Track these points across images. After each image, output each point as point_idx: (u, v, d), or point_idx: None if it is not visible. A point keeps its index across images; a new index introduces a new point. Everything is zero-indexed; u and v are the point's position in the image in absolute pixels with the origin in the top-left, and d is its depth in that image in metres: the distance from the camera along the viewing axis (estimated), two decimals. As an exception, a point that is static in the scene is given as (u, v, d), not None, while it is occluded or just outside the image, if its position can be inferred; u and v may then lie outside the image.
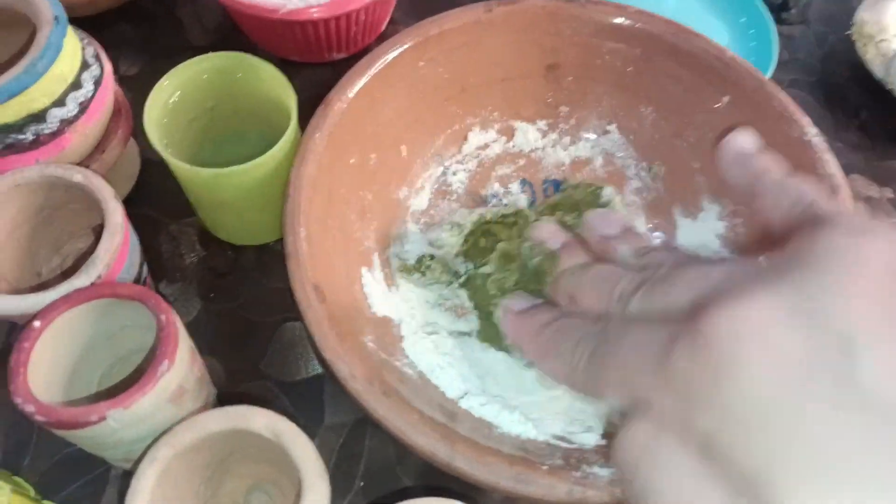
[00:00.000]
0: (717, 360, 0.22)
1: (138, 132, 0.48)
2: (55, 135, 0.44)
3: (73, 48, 0.44)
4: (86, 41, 0.47)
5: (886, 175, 0.60)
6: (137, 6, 0.65)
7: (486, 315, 0.45)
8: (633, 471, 0.25)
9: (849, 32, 0.63)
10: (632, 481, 0.25)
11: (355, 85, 0.47)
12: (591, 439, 0.40)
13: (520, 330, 0.38)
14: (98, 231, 0.41)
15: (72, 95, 0.44)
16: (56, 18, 0.42)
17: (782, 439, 0.21)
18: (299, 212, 0.42)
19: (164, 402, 0.37)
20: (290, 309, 0.50)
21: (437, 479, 0.45)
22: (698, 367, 0.23)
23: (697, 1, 0.68)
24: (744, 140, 0.34)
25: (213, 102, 0.50)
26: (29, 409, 0.35)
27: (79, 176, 0.42)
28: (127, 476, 0.36)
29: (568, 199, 0.50)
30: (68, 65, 0.44)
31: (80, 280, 0.39)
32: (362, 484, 0.45)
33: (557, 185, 0.54)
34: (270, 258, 0.53)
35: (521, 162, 0.55)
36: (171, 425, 0.37)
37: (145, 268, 0.46)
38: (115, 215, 0.41)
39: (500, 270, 0.45)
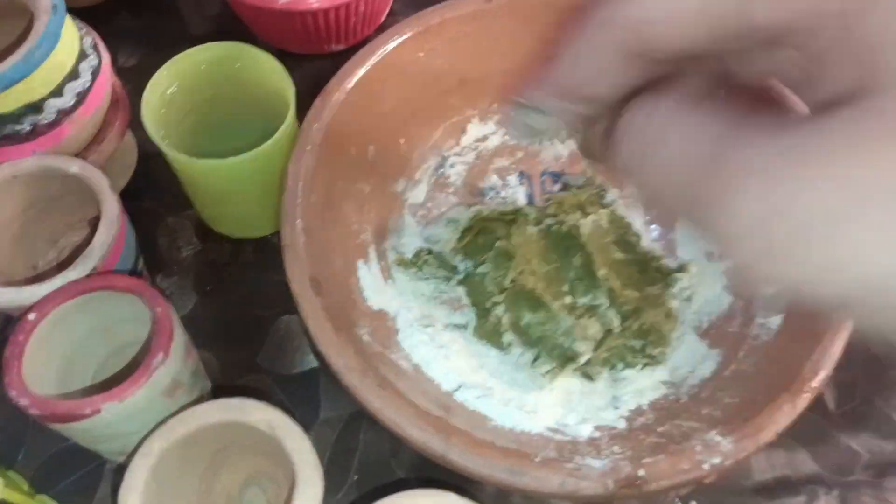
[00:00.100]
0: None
1: (136, 123, 0.47)
2: (52, 125, 0.44)
3: (71, 38, 0.44)
4: (84, 31, 0.46)
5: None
6: (137, -4, 0.65)
7: (483, 312, 0.45)
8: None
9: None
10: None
11: (354, 76, 0.47)
12: (585, 431, 0.40)
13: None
14: (94, 223, 0.41)
15: (69, 86, 0.44)
16: (54, 7, 0.42)
17: None
18: (296, 204, 0.42)
19: (159, 396, 0.37)
20: (286, 302, 0.50)
21: (431, 471, 0.44)
22: None
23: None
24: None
25: (211, 93, 0.50)
26: (23, 402, 0.35)
27: (75, 167, 0.42)
28: (121, 470, 0.36)
29: (572, 198, 0.49)
30: (66, 54, 0.43)
31: (76, 272, 0.39)
32: (357, 477, 0.45)
33: (556, 176, 0.53)
34: (268, 251, 0.52)
35: (520, 154, 0.54)
36: (165, 418, 0.37)
37: (141, 260, 0.46)
38: (112, 207, 0.41)
39: (497, 269, 0.45)
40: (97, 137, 0.48)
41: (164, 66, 0.47)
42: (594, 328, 0.44)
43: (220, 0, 0.64)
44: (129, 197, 0.53)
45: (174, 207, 0.54)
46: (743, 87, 0.23)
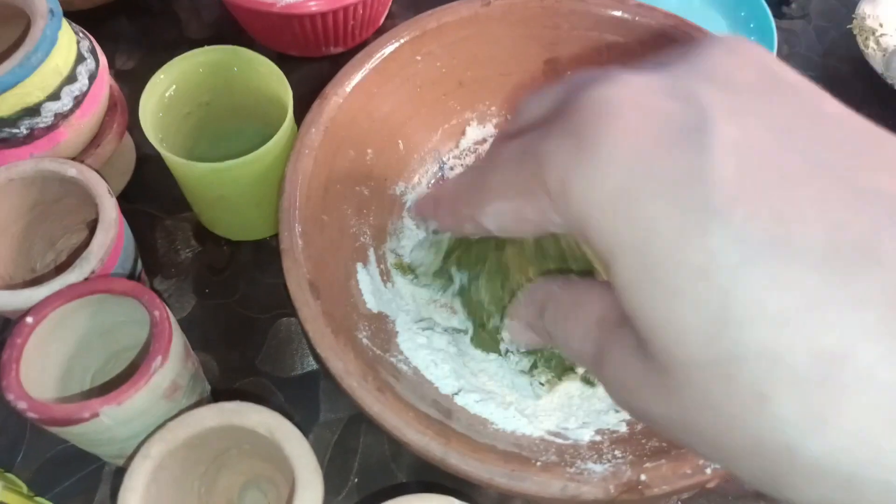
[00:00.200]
0: (580, 133, 0.20)
1: (134, 126, 0.47)
2: (50, 129, 0.44)
3: (69, 41, 0.44)
4: (81, 35, 0.46)
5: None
6: (135, 0, 0.65)
7: (480, 324, 0.45)
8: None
9: (850, 27, 0.63)
10: None
11: (352, 79, 0.47)
12: (586, 435, 0.40)
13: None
14: (93, 226, 0.41)
15: (67, 89, 0.44)
16: (51, 11, 0.42)
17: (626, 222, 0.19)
18: (295, 207, 0.42)
19: (158, 399, 0.36)
20: (285, 305, 0.50)
21: (431, 475, 0.45)
22: (568, 141, 0.21)
23: (698, -5, 0.67)
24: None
25: (209, 97, 0.50)
26: (21, 405, 0.34)
27: (73, 170, 0.42)
28: (120, 473, 0.36)
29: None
30: (63, 58, 0.43)
31: (74, 275, 0.38)
32: (356, 480, 0.45)
33: None
34: (266, 254, 0.52)
35: (519, 157, 0.54)
36: (164, 422, 0.37)
37: (140, 263, 0.46)
38: (110, 210, 0.41)
39: (492, 282, 0.45)
40: (95, 141, 0.48)
41: (162, 70, 0.46)
42: None
43: (217, 3, 0.64)
44: (127, 200, 0.53)
45: (172, 210, 0.54)
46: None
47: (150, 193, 0.55)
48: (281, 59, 0.48)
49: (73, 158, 0.46)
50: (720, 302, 0.17)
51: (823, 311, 0.17)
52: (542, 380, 0.43)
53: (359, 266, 0.46)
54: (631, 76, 0.21)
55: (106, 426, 0.35)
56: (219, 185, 0.46)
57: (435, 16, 0.50)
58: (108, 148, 0.48)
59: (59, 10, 0.43)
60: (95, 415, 0.34)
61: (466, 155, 0.54)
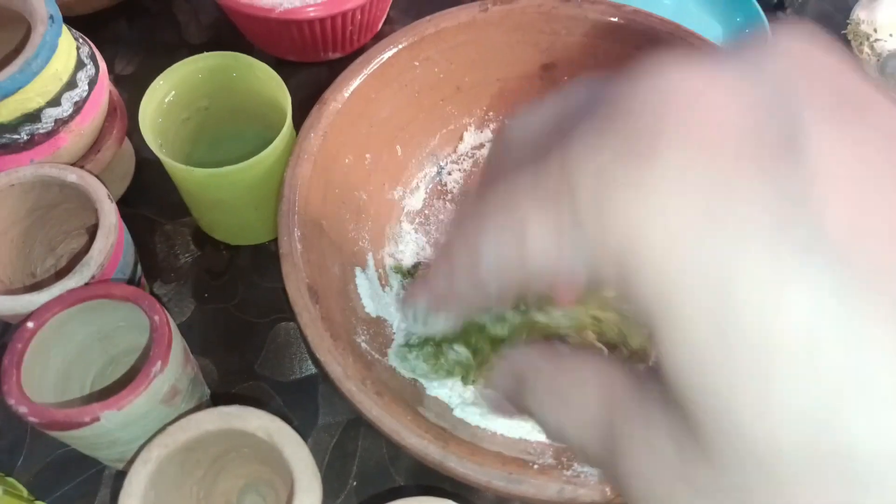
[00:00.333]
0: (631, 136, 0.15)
1: (133, 132, 0.47)
2: (50, 134, 0.44)
3: (69, 47, 0.44)
4: (81, 40, 0.47)
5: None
6: (134, 5, 0.65)
7: (462, 376, 0.43)
8: None
9: (844, 32, 0.63)
10: None
11: (350, 84, 0.47)
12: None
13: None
14: (92, 231, 0.41)
15: (67, 95, 0.44)
16: (51, 17, 0.42)
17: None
18: (294, 212, 0.42)
19: (158, 403, 0.37)
20: (284, 309, 0.50)
21: (430, 478, 0.45)
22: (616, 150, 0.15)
23: (693, 0, 0.67)
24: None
25: (208, 102, 0.50)
26: (22, 410, 0.35)
27: (73, 176, 0.42)
28: (120, 476, 0.36)
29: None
30: (63, 64, 0.44)
31: (74, 280, 0.39)
32: (355, 483, 0.45)
33: None
34: (265, 258, 0.53)
35: (517, 162, 0.55)
36: (164, 426, 0.37)
37: (139, 268, 0.46)
38: (110, 215, 0.41)
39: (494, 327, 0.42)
40: (95, 146, 0.48)
41: (162, 75, 0.47)
42: None
43: (216, 9, 0.65)
44: (127, 205, 0.53)
45: (171, 215, 0.54)
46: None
47: (149, 198, 0.55)
48: (279, 65, 0.48)
49: (73, 164, 0.46)
50: (833, 386, 0.14)
51: None
52: None
53: (357, 270, 0.46)
54: (697, 62, 0.16)
55: (106, 430, 0.35)
56: (218, 190, 0.46)
57: (433, 21, 0.50)
58: (107, 153, 0.49)
59: (59, 15, 0.43)
60: (96, 419, 0.34)
61: (464, 160, 0.54)
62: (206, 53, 0.48)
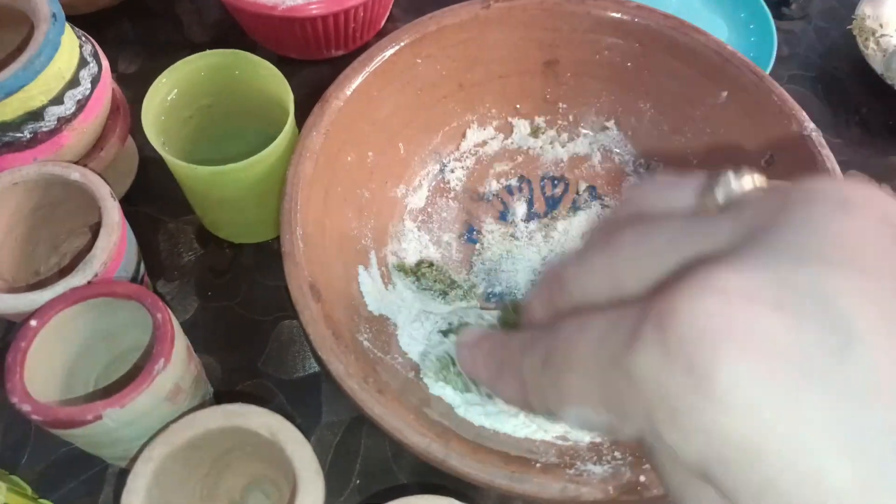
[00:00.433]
0: (689, 369, 0.16)
1: (136, 130, 0.47)
2: (53, 133, 0.44)
3: (71, 46, 0.44)
4: (83, 39, 0.47)
5: (887, 171, 0.60)
6: (137, 4, 0.65)
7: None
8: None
9: (850, 27, 0.63)
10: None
11: (353, 82, 0.47)
12: (586, 436, 0.40)
13: (471, 359, 0.28)
14: (96, 229, 0.41)
15: (70, 93, 0.44)
16: (54, 16, 0.42)
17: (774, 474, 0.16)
18: (296, 210, 0.42)
19: (161, 401, 0.37)
20: (287, 307, 0.50)
21: (432, 476, 0.45)
22: (668, 375, 0.17)
23: (698, -4, 0.67)
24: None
25: (211, 100, 0.50)
26: (25, 408, 0.35)
27: (76, 174, 0.42)
28: (124, 474, 0.36)
29: None
30: (66, 62, 0.44)
31: (77, 279, 0.39)
32: (358, 482, 0.45)
33: (556, 180, 0.54)
34: (268, 256, 0.53)
35: (520, 159, 0.55)
36: (167, 424, 0.37)
37: (143, 266, 0.46)
38: (113, 213, 0.41)
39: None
40: (98, 144, 0.48)
41: (164, 73, 0.47)
42: None
43: (219, 7, 0.65)
44: (130, 203, 0.54)
45: (174, 213, 0.54)
46: None
47: (152, 196, 0.55)
48: (282, 62, 0.48)
49: (76, 162, 0.46)
50: None
51: None
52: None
53: (360, 268, 0.46)
54: (729, 277, 0.17)
55: (109, 428, 0.35)
56: (220, 188, 0.46)
57: (435, 19, 0.50)
58: (110, 151, 0.49)
59: (61, 14, 0.43)
60: (99, 417, 0.34)
61: (467, 157, 0.54)
62: (208, 51, 0.48)
